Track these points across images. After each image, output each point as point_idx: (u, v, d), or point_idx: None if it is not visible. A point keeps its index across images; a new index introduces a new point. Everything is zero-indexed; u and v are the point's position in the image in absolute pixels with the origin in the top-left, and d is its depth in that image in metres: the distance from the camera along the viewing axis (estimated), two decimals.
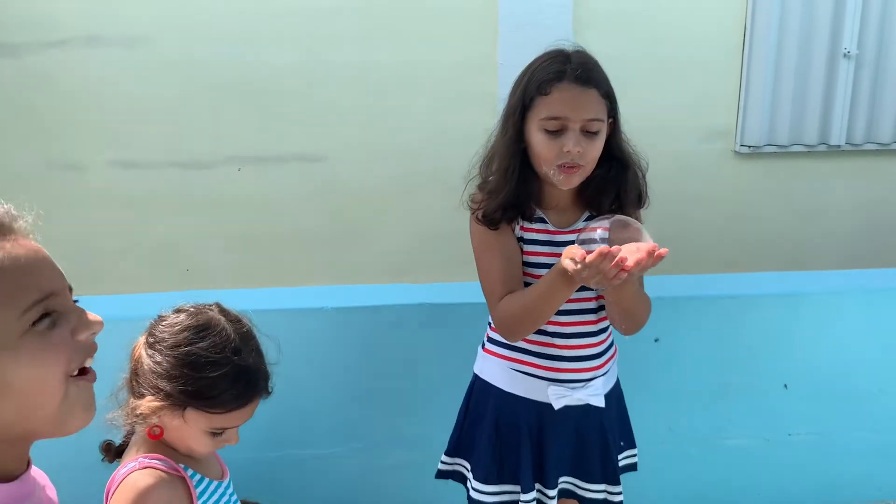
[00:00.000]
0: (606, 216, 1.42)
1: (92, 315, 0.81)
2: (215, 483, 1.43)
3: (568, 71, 1.49)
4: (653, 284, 2.18)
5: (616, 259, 1.29)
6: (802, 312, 2.24)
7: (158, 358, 1.33)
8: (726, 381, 2.24)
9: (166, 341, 1.34)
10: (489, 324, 1.71)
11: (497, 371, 1.67)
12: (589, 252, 1.31)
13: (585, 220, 1.61)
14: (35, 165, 3.75)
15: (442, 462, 1.78)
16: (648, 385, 2.20)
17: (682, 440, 2.27)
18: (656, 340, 2.17)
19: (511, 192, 1.53)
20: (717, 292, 2.24)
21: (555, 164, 1.49)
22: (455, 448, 1.76)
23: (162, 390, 1.32)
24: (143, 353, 1.36)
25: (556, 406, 1.61)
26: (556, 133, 1.48)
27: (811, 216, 4.28)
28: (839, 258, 4.21)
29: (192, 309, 1.40)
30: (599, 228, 1.37)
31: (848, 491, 2.35)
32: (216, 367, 1.32)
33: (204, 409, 1.33)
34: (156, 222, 3.84)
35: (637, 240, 1.35)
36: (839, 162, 4.27)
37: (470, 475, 1.71)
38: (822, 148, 4.20)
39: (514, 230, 1.58)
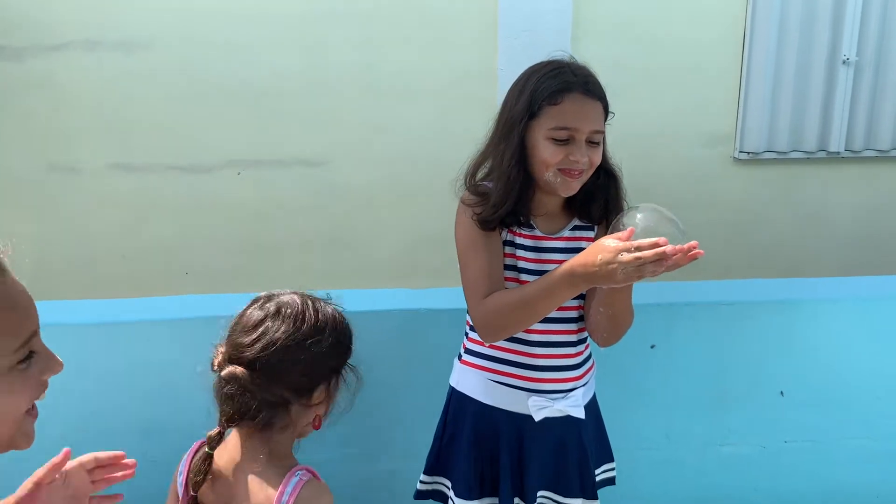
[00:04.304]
0: (637, 206, 1.40)
1: (57, 359, 0.86)
2: None
3: (576, 82, 1.51)
4: (649, 291, 2.19)
5: (661, 251, 1.27)
6: (799, 319, 2.24)
7: (322, 344, 1.34)
8: (722, 387, 2.24)
9: (318, 323, 1.35)
10: (466, 334, 1.71)
11: (475, 383, 1.67)
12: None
13: (572, 230, 1.62)
14: (35, 169, 3.76)
15: (421, 482, 1.76)
16: (644, 392, 2.21)
17: (678, 447, 2.27)
18: (652, 347, 2.18)
19: (514, 200, 1.54)
20: (713, 299, 2.25)
21: (556, 168, 1.50)
22: (434, 466, 1.75)
23: (333, 370, 1.37)
24: (289, 346, 1.32)
25: (537, 418, 1.61)
26: (564, 142, 1.49)
27: (810, 222, 4.29)
28: (838, 265, 4.22)
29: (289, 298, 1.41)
30: (639, 214, 1.36)
31: (844, 498, 2.35)
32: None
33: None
34: (155, 226, 3.85)
35: (670, 232, 1.33)
36: (838, 168, 4.28)
37: (451, 493, 1.69)
38: (822, 154, 4.21)
39: (501, 233, 1.59)
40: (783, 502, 2.34)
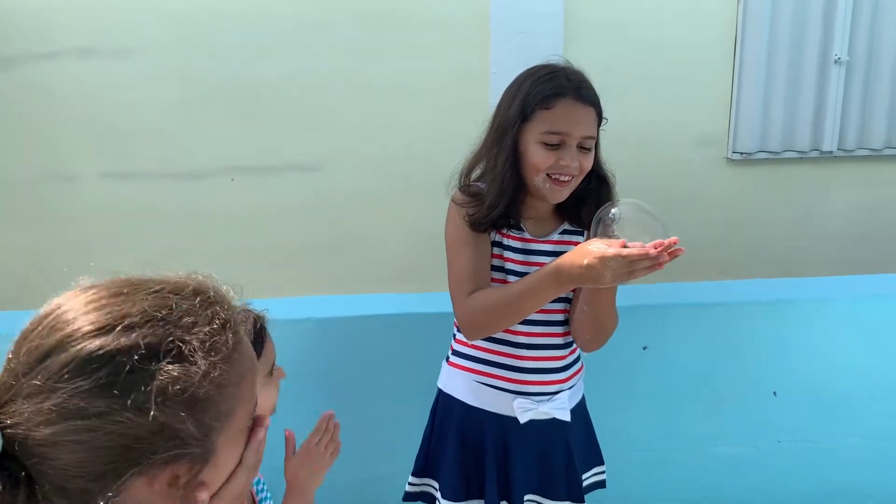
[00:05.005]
0: (619, 200, 1.41)
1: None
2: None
3: (570, 87, 1.51)
4: (641, 292, 2.20)
5: (653, 262, 1.28)
6: (791, 319, 2.25)
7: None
8: (716, 388, 2.25)
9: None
10: (453, 336, 1.72)
11: (461, 384, 1.67)
12: (609, 236, 1.33)
13: (561, 234, 1.63)
14: (29, 177, 3.75)
15: (409, 483, 1.77)
16: (637, 393, 2.21)
17: (671, 448, 2.27)
18: (644, 348, 2.18)
19: (506, 204, 1.54)
20: (705, 300, 2.25)
21: (545, 174, 1.51)
22: (422, 468, 1.75)
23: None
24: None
25: (522, 420, 1.61)
26: (554, 147, 1.50)
27: (804, 222, 4.30)
28: (832, 264, 4.23)
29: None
30: (618, 209, 1.37)
31: (838, 498, 2.35)
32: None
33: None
34: (149, 233, 3.84)
35: (652, 226, 1.34)
36: (831, 168, 4.29)
37: (438, 494, 1.70)
38: (815, 154, 4.22)
39: (490, 233, 1.59)
40: (777, 502, 2.35)
